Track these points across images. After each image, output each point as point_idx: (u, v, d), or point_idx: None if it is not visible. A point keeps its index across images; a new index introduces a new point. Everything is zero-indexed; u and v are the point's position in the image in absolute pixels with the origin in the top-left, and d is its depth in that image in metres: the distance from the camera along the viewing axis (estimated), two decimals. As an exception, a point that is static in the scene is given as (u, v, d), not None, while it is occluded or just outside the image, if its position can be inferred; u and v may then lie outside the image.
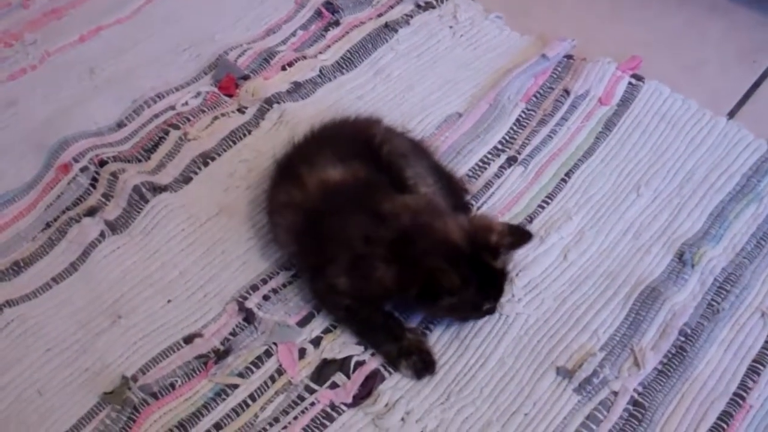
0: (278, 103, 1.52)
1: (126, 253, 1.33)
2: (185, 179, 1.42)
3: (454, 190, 1.31)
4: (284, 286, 1.27)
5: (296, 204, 1.20)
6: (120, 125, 1.54)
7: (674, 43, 1.61)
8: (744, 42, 1.59)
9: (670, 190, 1.35)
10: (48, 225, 1.39)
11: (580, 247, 1.28)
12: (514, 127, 1.46)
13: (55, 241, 1.36)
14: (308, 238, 1.19)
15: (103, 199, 1.41)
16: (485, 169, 1.40)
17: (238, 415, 1.14)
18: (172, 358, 1.20)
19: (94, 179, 1.44)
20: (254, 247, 1.32)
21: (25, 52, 1.69)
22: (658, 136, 1.42)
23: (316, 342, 1.20)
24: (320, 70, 1.59)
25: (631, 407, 1.11)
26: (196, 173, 1.43)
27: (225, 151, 1.47)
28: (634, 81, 1.50)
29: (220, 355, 1.19)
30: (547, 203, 1.35)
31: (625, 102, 1.48)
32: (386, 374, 1.16)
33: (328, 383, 1.16)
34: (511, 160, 1.41)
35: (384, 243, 1.11)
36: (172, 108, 1.55)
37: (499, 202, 1.35)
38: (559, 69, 1.55)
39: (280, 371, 1.17)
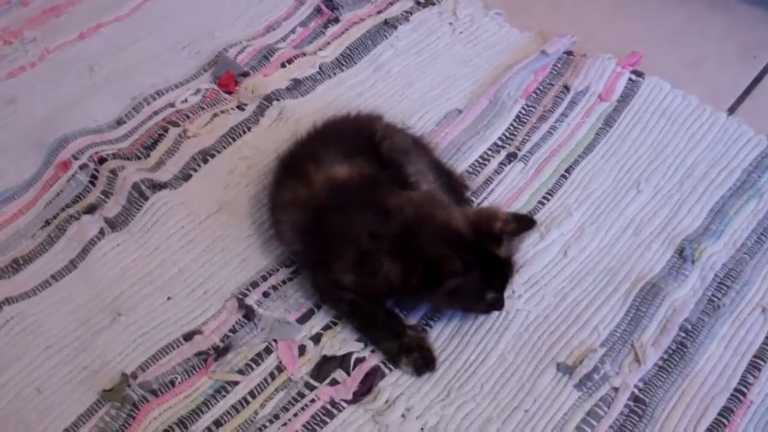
0: (278, 100, 1.52)
1: (125, 251, 1.33)
2: (185, 176, 1.42)
3: (454, 186, 1.31)
4: (284, 282, 1.27)
5: (302, 201, 1.20)
6: (119, 122, 1.54)
7: (674, 39, 1.61)
8: (744, 38, 1.59)
9: (671, 186, 1.35)
10: (47, 222, 1.39)
11: (580, 243, 1.28)
12: (514, 124, 1.46)
13: (55, 238, 1.36)
14: (314, 236, 1.19)
15: (103, 197, 1.41)
16: (485, 165, 1.40)
17: (238, 412, 1.14)
18: (171, 355, 1.19)
19: (94, 177, 1.44)
20: (254, 244, 1.32)
21: (24, 49, 1.69)
22: (659, 132, 1.42)
23: (316, 339, 1.20)
24: (320, 67, 1.59)
25: (631, 403, 1.11)
26: (195, 170, 1.43)
27: (224, 148, 1.46)
28: (634, 77, 1.50)
29: (220, 352, 1.19)
30: (548, 199, 1.35)
31: (626, 98, 1.48)
32: (386, 371, 1.15)
33: (328, 380, 1.16)
34: (511, 157, 1.41)
35: (388, 238, 1.11)
36: (172, 105, 1.55)
37: (500, 199, 1.35)
38: (559, 65, 1.55)
39: (280, 368, 1.17)
